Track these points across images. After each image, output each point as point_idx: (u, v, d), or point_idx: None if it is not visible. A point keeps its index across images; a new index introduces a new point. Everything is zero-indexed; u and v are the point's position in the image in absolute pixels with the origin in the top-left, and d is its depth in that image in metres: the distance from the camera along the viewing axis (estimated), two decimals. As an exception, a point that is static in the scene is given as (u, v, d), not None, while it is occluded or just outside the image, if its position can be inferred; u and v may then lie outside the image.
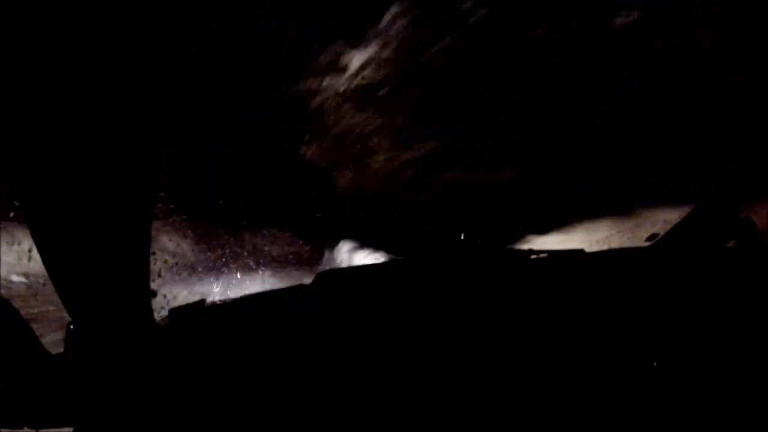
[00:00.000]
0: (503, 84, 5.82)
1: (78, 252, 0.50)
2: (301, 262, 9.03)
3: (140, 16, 0.38)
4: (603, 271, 0.98)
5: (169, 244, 7.29)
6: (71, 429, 0.57)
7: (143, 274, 0.57)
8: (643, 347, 0.72)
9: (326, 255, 8.12)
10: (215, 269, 7.24)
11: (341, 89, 7.05)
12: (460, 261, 1.09)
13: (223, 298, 0.95)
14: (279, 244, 10.10)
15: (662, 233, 1.10)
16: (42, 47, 0.37)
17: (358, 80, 6.80)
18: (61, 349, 0.59)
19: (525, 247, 1.10)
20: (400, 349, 0.71)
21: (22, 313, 0.58)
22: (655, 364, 0.70)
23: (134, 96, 0.42)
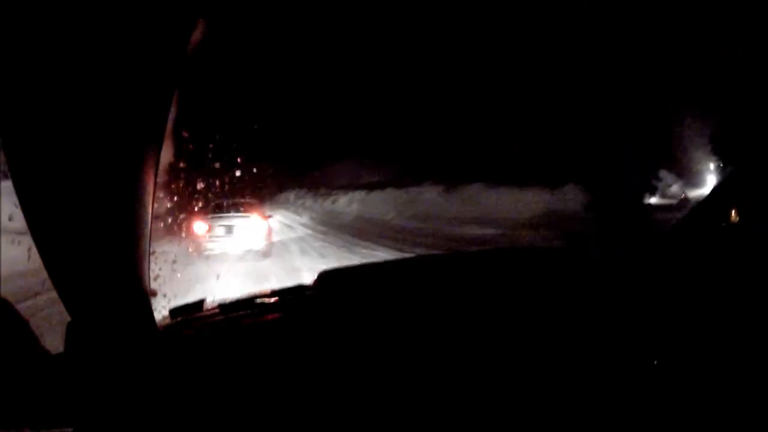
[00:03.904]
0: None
1: (78, 251, 0.50)
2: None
3: (145, 16, 0.37)
4: (603, 270, 0.98)
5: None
6: (71, 429, 0.57)
7: (143, 274, 0.57)
8: (643, 347, 0.73)
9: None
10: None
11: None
12: (462, 259, 1.09)
13: (222, 297, 0.94)
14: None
15: (662, 232, 1.11)
16: (44, 46, 0.36)
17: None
18: (61, 349, 0.59)
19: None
20: (403, 350, 0.71)
21: (22, 312, 0.57)
22: (655, 363, 0.70)
23: (136, 95, 0.42)
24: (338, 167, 24.68)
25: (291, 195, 24.66)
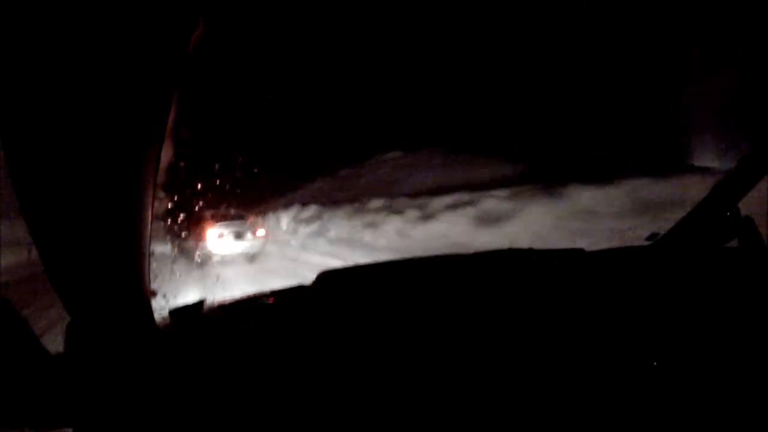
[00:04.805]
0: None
1: (77, 252, 0.50)
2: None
3: (145, 16, 0.37)
4: (603, 270, 0.98)
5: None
6: (71, 429, 0.57)
7: (143, 274, 0.57)
8: (643, 347, 0.72)
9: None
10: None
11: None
12: (462, 260, 1.09)
13: (222, 298, 0.94)
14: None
15: (662, 233, 1.11)
16: (43, 45, 0.36)
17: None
18: (61, 349, 0.59)
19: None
20: (403, 350, 0.71)
21: (22, 312, 0.57)
22: (655, 364, 0.70)
23: (136, 95, 0.42)
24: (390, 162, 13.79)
25: (285, 217, 12.51)
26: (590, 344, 0.73)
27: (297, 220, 11.92)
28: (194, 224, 8.30)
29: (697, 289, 0.83)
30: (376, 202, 10.05)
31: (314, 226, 10.78)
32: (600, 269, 0.98)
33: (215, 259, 7.87)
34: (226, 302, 0.89)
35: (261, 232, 8.58)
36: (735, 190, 0.96)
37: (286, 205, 13.37)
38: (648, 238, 1.13)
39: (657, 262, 0.99)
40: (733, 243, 0.99)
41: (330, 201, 12.15)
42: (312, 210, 11.96)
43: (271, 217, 12.82)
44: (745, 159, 0.95)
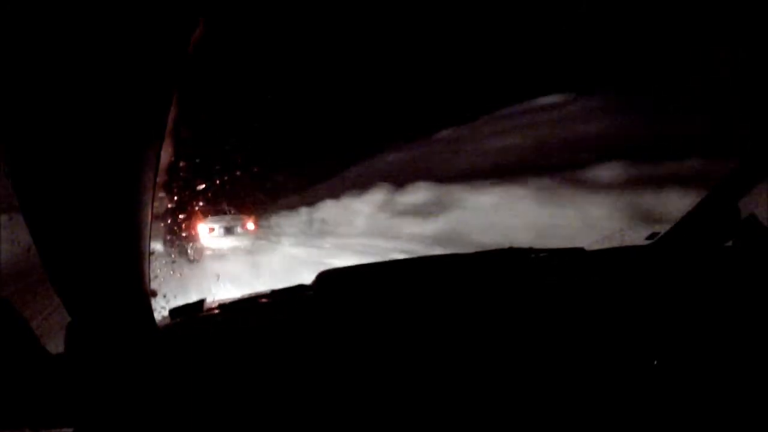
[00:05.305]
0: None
1: (77, 252, 0.50)
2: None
3: (145, 16, 0.37)
4: (603, 269, 0.98)
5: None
6: (71, 429, 0.57)
7: (143, 274, 0.57)
8: (643, 346, 0.73)
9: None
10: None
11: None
12: (462, 259, 1.09)
13: (222, 297, 0.94)
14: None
15: (662, 232, 1.11)
16: (43, 45, 0.36)
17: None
18: (61, 349, 0.59)
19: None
20: (402, 350, 0.71)
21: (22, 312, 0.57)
22: (655, 363, 0.70)
23: (136, 95, 0.42)
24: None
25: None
26: (590, 343, 0.73)
27: (394, 211, 6.88)
28: (191, 222, 8.46)
29: (697, 288, 0.83)
30: (609, 169, 5.17)
31: (443, 223, 5.77)
32: (600, 269, 0.98)
33: (207, 253, 8.03)
34: (226, 302, 0.89)
35: (250, 226, 8.80)
36: (735, 189, 0.95)
37: (359, 189, 8.13)
38: (648, 238, 1.13)
39: (657, 262, 0.99)
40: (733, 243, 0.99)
41: (447, 176, 6.84)
42: (427, 191, 6.58)
43: (327, 207, 9.27)
44: (745, 159, 0.95)
